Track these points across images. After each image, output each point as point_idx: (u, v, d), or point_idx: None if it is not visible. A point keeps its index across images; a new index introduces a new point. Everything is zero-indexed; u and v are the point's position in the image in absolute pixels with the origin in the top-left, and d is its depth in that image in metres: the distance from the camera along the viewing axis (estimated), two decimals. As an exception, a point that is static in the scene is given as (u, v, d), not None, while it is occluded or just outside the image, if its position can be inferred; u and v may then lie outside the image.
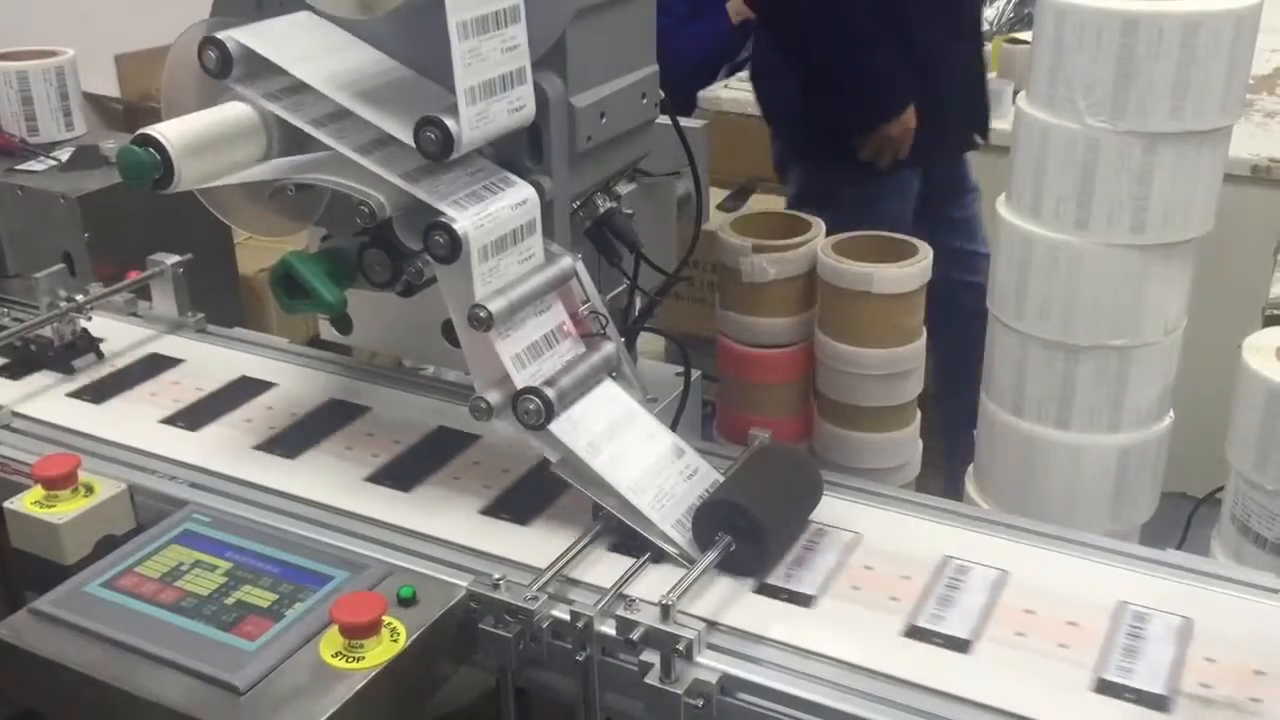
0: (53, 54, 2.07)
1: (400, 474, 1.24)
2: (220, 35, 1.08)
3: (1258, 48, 1.33)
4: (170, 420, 1.35)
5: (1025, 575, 1.09)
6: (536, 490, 1.20)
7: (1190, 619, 1.03)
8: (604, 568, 1.08)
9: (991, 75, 2.68)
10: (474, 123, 1.03)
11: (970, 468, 1.61)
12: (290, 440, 1.30)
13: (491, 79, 1.04)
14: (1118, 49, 1.27)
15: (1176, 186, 1.32)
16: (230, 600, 1.03)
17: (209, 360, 1.48)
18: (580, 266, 1.16)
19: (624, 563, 1.08)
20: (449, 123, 1.02)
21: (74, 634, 1.00)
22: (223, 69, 1.08)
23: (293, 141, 1.11)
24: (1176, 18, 1.25)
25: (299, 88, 1.08)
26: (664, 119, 1.32)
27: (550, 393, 1.08)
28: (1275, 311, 2.32)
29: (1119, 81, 1.28)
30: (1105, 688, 0.95)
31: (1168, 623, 1.03)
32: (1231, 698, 0.94)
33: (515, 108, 1.07)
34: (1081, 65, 1.30)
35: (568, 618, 1.00)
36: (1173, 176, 1.32)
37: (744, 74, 2.96)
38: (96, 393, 1.40)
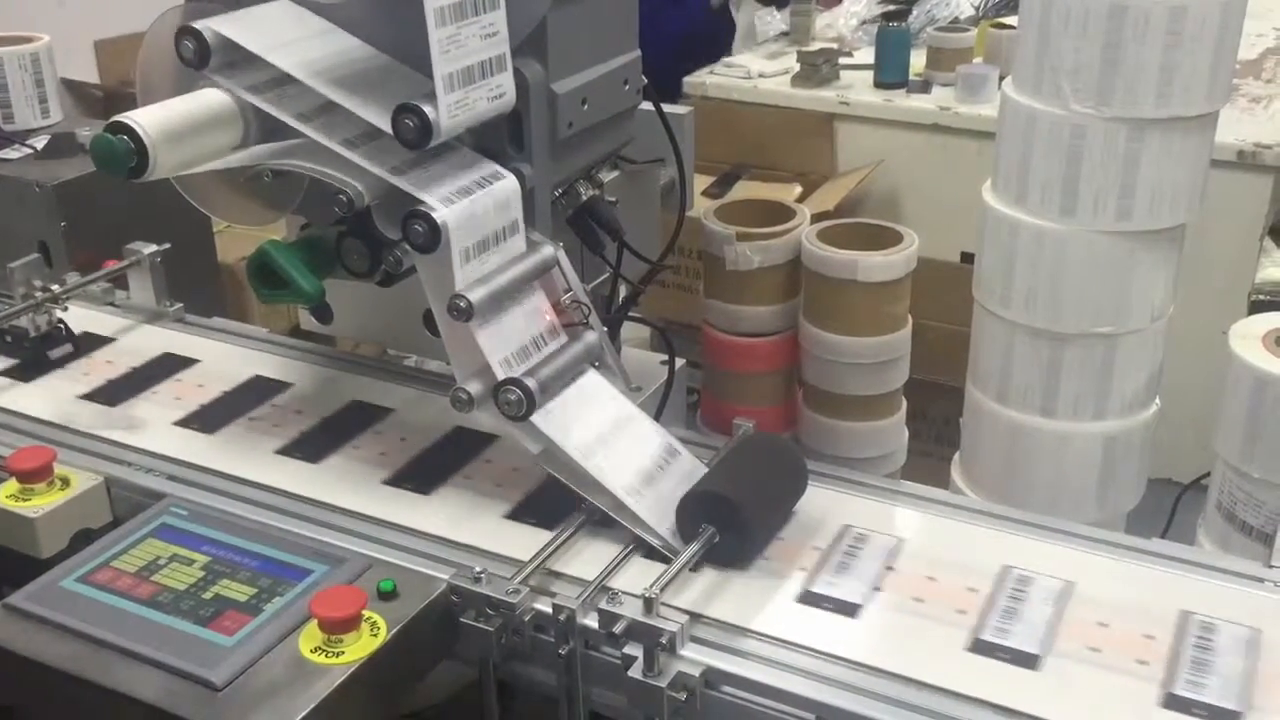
0: (28, 40, 2.04)
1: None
2: (198, 25, 1.06)
3: (1245, 32, 1.32)
4: (168, 417, 1.32)
5: (1091, 585, 1.05)
6: (556, 490, 1.14)
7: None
8: (586, 560, 1.07)
9: (977, 60, 2.68)
10: (453, 110, 1.02)
11: (956, 456, 1.61)
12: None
13: (470, 66, 1.02)
14: (1104, 34, 1.26)
15: (1163, 172, 1.32)
16: (208, 595, 1.01)
17: (191, 351, 1.46)
18: (562, 255, 1.15)
19: (607, 555, 1.07)
20: (427, 110, 1.00)
21: (49, 630, 0.98)
22: (201, 60, 1.06)
23: (271, 128, 1.09)
24: (1163, 2, 1.24)
25: (281, 80, 1.06)
26: (647, 105, 1.31)
27: (531, 383, 1.07)
28: (1262, 297, 2.33)
29: (1105, 67, 1.27)
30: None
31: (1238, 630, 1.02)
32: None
33: (495, 95, 1.06)
34: (1067, 50, 1.29)
35: (550, 611, 0.99)
36: (1159, 162, 1.31)
37: (729, 59, 2.94)
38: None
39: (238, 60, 1.07)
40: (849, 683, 0.94)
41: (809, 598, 1.04)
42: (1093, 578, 1.06)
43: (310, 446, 1.25)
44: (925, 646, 0.98)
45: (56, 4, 3.13)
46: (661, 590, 0.97)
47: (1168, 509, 1.66)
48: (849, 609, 1.03)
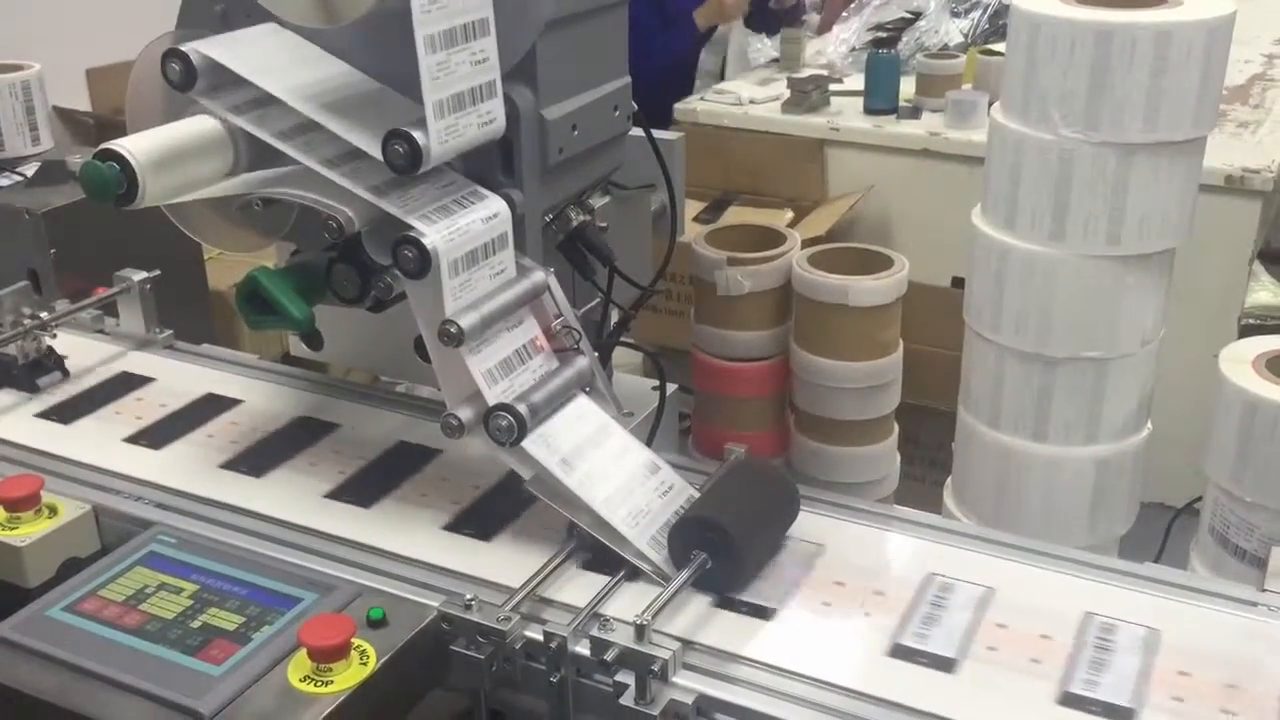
0: (19, 67, 2.04)
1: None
2: (184, 47, 1.06)
3: (1232, 58, 1.33)
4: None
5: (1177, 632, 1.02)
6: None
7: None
8: (578, 587, 1.06)
9: (966, 87, 2.69)
10: (443, 136, 1.02)
11: (949, 480, 1.60)
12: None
13: (460, 93, 1.02)
14: (1091, 60, 1.27)
15: (1151, 197, 1.32)
16: (196, 624, 1.01)
17: (176, 377, 1.45)
18: (553, 280, 1.14)
19: (599, 582, 1.06)
20: (417, 136, 1.00)
21: (35, 660, 0.97)
22: (187, 81, 1.06)
23: (260, 155, 1.09)
24: (1149, 28, 1.25)
25: (264, 100, 1.06)
26: (639, 131, 1.31)
27: (522, 409, 1.06)
28: (1251, 321, 2.34)
29: (1092, 93, 1.28)
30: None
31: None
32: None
33: (485, 121, 1.06)
34: (1055, 76, 1.30)
35: (541, 638, 0.98)
36: (1147, 187, 1.32)
37: (721, 85, 2.95)
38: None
39: (224, 82, 1.07)
40: (842, 710, 0.93)
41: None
42: (1177, 622, 1.03)
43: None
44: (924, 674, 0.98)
45: (51, 32, 3.13)
46: (653, 617, 0.96)
47: (1161, 533, 1.66)
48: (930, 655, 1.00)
